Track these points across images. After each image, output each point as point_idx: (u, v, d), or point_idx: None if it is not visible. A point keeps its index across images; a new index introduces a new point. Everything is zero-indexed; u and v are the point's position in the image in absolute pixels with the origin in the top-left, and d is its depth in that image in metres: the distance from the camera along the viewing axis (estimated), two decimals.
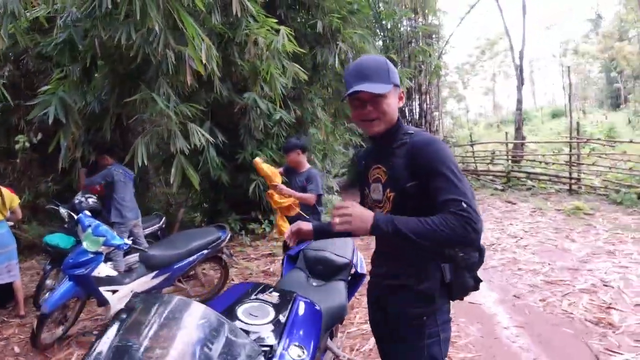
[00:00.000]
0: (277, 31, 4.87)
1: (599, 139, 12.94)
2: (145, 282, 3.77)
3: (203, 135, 4.50)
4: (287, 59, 5.05)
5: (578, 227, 6.81)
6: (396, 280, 1.55)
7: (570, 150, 10.75)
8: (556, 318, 3.63)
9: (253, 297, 1.74)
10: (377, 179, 1.58)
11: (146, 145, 4.15)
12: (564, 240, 6.10)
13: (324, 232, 1.86)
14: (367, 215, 1.35)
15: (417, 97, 14.17)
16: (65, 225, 4.60)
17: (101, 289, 3.49)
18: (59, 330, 3.69)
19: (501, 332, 3.46)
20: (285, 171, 4.06)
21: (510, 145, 14.12)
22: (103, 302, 3.56)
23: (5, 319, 4.37)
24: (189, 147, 4.41)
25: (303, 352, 1.48)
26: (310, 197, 3.68)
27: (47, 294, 4.45)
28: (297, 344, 1.50)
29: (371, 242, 4.65)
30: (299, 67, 5.13)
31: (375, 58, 1.55)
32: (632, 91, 27.13)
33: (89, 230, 3.36)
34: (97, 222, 3.45)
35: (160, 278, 3.85)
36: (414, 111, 14.48)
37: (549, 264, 5.04)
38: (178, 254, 3.95)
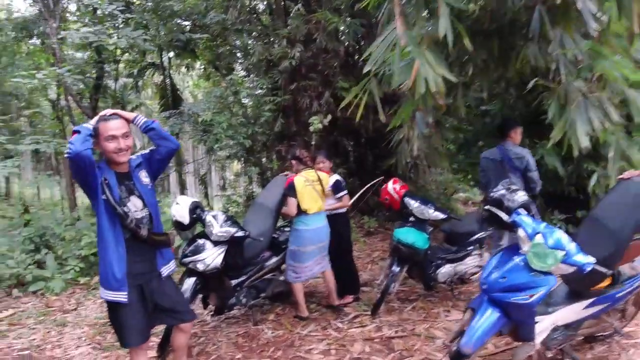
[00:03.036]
0: None
1: None
2: (572, 311, 2.64)
3: None
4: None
5: None
6: None
7: None
8: None
9: None
10: None
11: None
12: None
13: None
14: None
15: None
16: (411, 219, 3.98)
17: None
18: None
19: None
20: None
21: None
22: (527, 338, 2.47)
23: (312, 333, 3.70)
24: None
25: None
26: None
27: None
28: None
29: None
30: None
31: None
32: None
33: (538, 239, 2.28)
34: (552, 226, 2.37)
35: (593, 309, 2.69)
36: None
37: None
38: None
